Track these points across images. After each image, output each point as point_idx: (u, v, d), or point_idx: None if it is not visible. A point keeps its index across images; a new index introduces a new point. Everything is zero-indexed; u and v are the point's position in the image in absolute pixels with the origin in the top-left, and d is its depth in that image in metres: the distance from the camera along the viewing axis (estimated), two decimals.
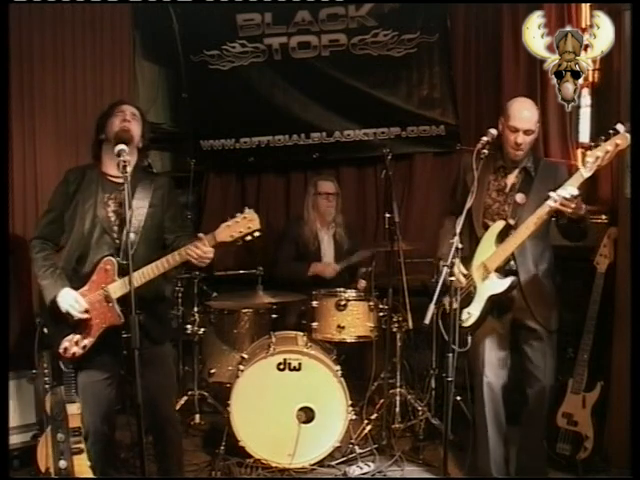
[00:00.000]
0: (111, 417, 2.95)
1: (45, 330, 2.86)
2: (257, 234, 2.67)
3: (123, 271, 2.69)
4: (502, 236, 3.01)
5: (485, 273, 3.01)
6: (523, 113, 3.02)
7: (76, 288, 2.76)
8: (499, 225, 3.04)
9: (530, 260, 3.05)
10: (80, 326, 2.74)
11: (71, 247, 2.84)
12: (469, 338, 2.96)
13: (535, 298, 3.06)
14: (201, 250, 2.65)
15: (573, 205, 2.71)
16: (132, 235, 2.71)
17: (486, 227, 3.10)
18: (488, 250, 3.03)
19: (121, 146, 2.67)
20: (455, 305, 3.01)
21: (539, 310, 3.08)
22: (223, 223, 2.66)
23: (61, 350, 2.74)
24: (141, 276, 2.70)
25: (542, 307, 3.09)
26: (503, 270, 3.00)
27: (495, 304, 3.04)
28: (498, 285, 3.00)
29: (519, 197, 3.06)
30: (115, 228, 2.81)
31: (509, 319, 3.14)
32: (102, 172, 2.87)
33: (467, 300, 3.05)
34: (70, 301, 2.71)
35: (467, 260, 3.07)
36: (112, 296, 2.71)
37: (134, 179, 2.81)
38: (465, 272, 3.05)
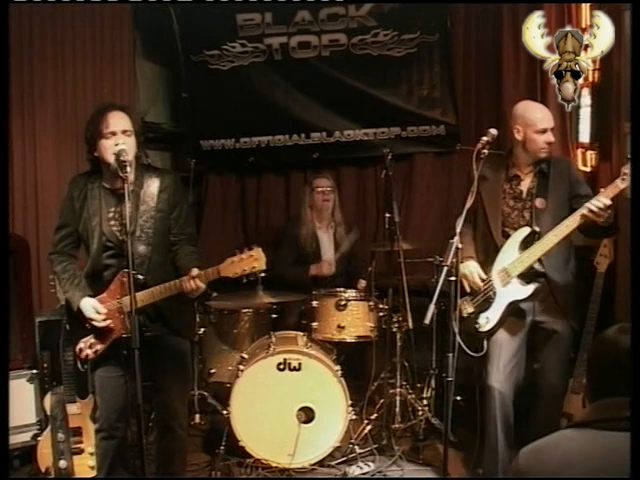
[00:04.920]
0: (126, 414, 2.92)
1: (67, 327, 2.94)
2: (261, 274, 2.68)
3: (138, 286, 2.67)
4: (526, 243, 3.00)
5: (506, 278, 3.01)
6: (543, 113, 3.07)
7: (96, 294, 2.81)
8: (524, 232, 3.03)
9: (561, 262, 3.06)
10: (98, 331, 2.77)
11: (88, 261, 2.86)
12: (485, 343, 2.97)
13: (567, 299, 3.08)
14: (195, 284, 2.66)
15: (606, 215, 2.76)
16: (143, 247, 2.73)
17: (506, 235, 3.09)
18: (511, 256, 3.02)
19: (121, 146, 2.66)
20: (470, 309, 3.03)
21: (570, 310, 3.10)
22: (229, 258, 2.64)
23: (77, 350, 2.80)
24: (150, 296, 2.71)
25: (573, 307, 3.12)
26: (527, 276, 3.00)
27: (515, 310, 3.04)
28: (521, 291, 3.00)
29: (539, 202, 3.06)
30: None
31: (529, 323, 3.12)
32: (103, 186, 2.82)
33: (485, 305, 3.06)
34: (90, 311, 2.75)
35: (486, 266, 3.09)
36: (124, 309, 2.73)
37: (137, 182, 2.80)
38: (484, 276, 3.06)
